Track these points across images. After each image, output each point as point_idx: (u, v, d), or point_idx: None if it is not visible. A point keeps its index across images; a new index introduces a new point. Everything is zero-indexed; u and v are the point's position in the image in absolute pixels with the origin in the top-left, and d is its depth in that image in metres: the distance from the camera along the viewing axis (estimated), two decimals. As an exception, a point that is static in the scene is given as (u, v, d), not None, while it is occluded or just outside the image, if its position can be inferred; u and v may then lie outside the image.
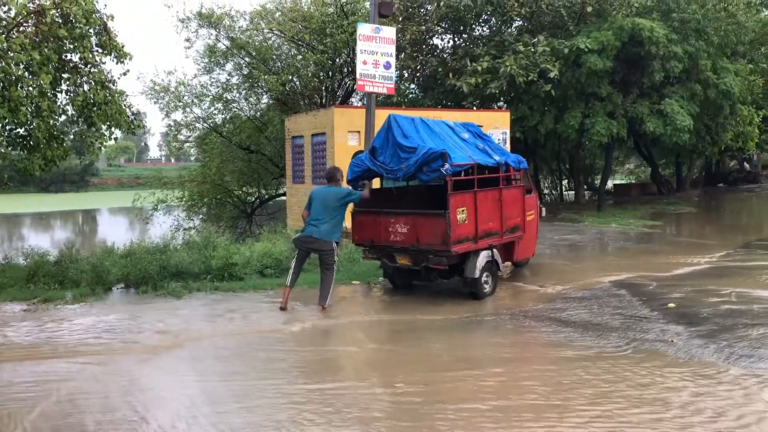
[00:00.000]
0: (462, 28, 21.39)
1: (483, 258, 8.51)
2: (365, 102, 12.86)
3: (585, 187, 25.40)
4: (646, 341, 6.39)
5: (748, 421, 4.40)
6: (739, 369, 5.50)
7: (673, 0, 20.34)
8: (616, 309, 7.76)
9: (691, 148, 24.65)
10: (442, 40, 22.48)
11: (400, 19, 19.29)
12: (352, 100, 22.51)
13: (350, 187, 8.54)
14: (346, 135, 14.63)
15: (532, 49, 18.20)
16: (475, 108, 20.19)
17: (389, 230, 8.58)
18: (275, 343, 6.72)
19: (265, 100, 23.51)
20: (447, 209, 7.94)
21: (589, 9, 19.28)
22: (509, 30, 21.28)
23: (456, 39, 22.17)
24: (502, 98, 21.75)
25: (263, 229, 14.65)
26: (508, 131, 17.68)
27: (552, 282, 9.54)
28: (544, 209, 11.67)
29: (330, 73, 21.04)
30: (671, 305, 7.88)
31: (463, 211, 8.16)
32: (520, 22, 21.41)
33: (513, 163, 9.59)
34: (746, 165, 41.71)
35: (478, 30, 22.12)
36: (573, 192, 28.15)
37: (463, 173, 8.60)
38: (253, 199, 24.60)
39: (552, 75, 17.64)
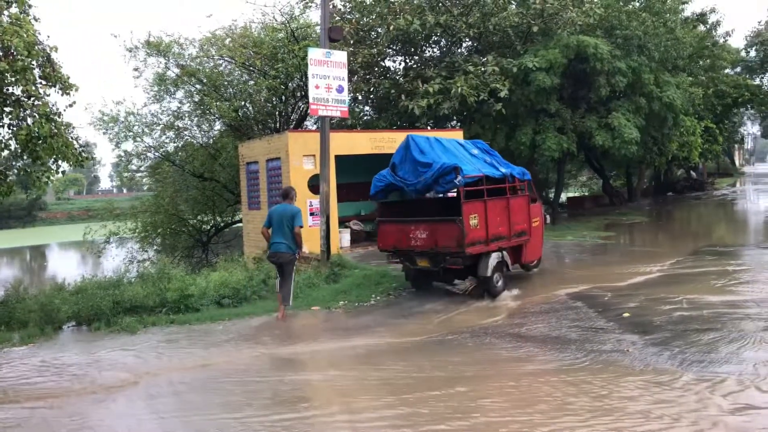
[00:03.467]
0: (413, 50, 21.66)
1: (494, 259, 9.62)
2: (320, 125, 12.87)
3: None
4: (603, 352, 6.49)
5: (702, 427, 4.51)
6: (691, 374, 5.63)
7: (615, 17, 21.08)
8: (574, 321, 7.87)
9: (640, 159, 25.41)
10: (394, 62, 22.73)
11: (351, 42, 19.43)
12: (307, 123, 22.47)
13: (299, 209, 9.22)
14: (302, 159, 14.58)
15: (482, 69, 18.55)
16: (429, 128, 20.42)
17: (410, 236, 9.76)
18: (234, 374, 6.57)
19: (217, 126, 23.26)
20: (461, 216, 9.08)
21: (535, 28, 19.79)
22: (459, 51, 21.67)
23: (407, 61, 22.43)
24: (455, 118, 22.05)
25: (220, 257, 14.42)
26: (462, 150, 17.86)
27: (510, 297, 9.64)
28: (548, 217, 12.59)
29: (283, 98, 20.96)
30: (626, 315, 8.04)
31: (475, 217, 9.34)
32: (470, 43, 21.83)
33: (518, 174, 10.68)
34: (692, 173, 43.24)
35: (429, 51, 22.44)
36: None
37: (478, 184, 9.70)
38: (209, 228, 24.19)
39: (502, 94, 17.98)
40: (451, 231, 9.23)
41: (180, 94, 21.77)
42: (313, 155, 14.17)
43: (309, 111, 12.77)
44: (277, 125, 21.45)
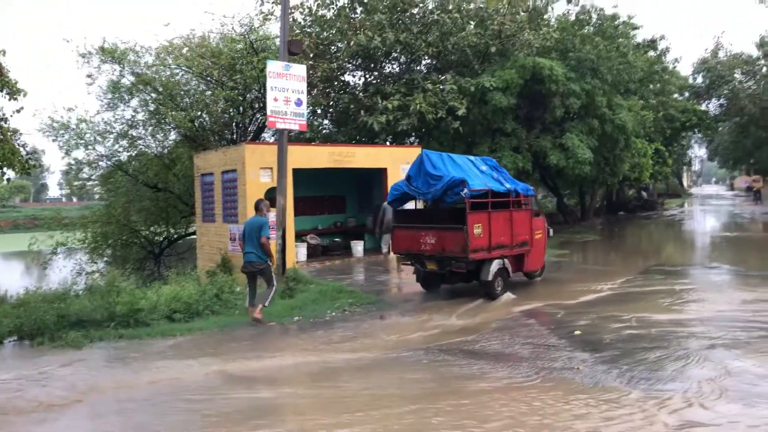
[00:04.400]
0: (373, 65, 21.80)
1: (495, 265, 10.62)
2: (277, 138, 12.77)
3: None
4: (555, 369, 6.57)
5: (649, 444, 4.59)
6: (639, 392, 5.74)
7: (569, 41, 21.69)
8: (527, 338, 7.96)
9: (593, 178, 26.04)
10: (354, 77, 22.82)
11: (311, 56, 19.43)
12: (265, 135, 22.28)
13: (267, 220, 9.63)
14: (258, 171, 14.42)
15: (441, 87, 18.78)
16: (388, 143, 20.51)
17: (420, 241, 10.80)
18: (184, 392, 6.40)
19: (173, 136, 22.84)
20: (466, 224, 10.05)
21: (493, 49, 20.18)
22: (418, 68, 21.90)
23: (367, 76, 22.55)
24: (413, 134, 22.23)
25: (172, 271, 14.10)
26: (420, 166, 18.00)
27: (467, 314, 9.68)
28: (551, 230, 13.34)
29: (241, 109, 20.76)
30: (577, 332, 8.17)
31: (479, 226, 10.29)
32: (429, 61, 22.10)
33: (522, 190, 11.57)
34: (643, 194, 44.56)
35: (389, 68, 22.61)
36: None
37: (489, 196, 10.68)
38: (162, 239, 23.65)
39: (460, 112, 18.24)
40: (457, 238, 10.24)
41: (135, 102, 21.37)
42: (271, 168, 14.05)
43: (267, 123, 12.67)
44: (234, 136, 21.23)
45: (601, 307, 9.98)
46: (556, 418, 5.18)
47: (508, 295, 10.85)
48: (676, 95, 37.25)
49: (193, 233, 21.27)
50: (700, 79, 40.72)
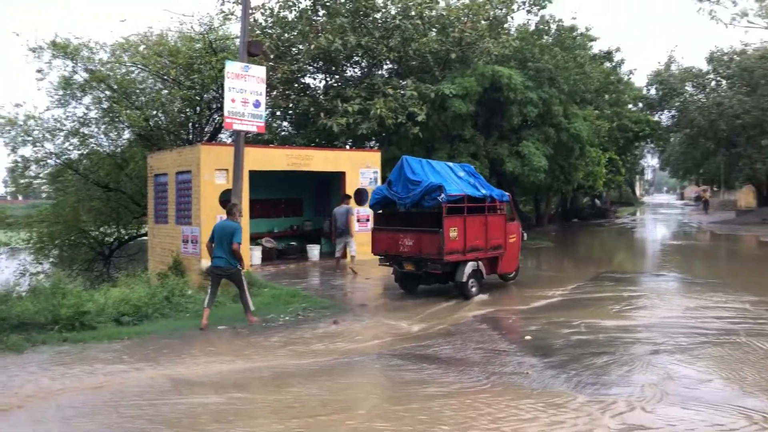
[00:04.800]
0: (334, 68, 21.76)
1: (470, 267, 11.18)
2: (234, 139, 12.61)
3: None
4: (504, 374, 6.64)
5: (591, 448, 4.67)
6: (585, 396, 5.85)
7: (528, 50, 22.06)
8: (478, 344, 8.03)
9: (548, 186, 26.55)
10: (315, 79, 22.74)
11: (272, 57, 19.28)
12: (222, 136, 21.99)
13: (240, 226, 9.52)
14: (214, 173, 14.22)
15: (401, 93, 18.87)
16: (347, 147, 20.49)
17: (399, 243, 11.30)
18: (130, 397, 6.22)
19: (126, 135, 22.32)
20: (441, 228, 10.56)
21: (454, 56, 20.37)
22: (379, 73, 21.95)
23: (328, 79, 22.50)
24: (373, 138, 22.26)
25: (122, 272, 13.76)
26: (379, 171, 18.06)
27: (421, 318, 9.71)
28: (525, 234, 13.96)
29: (198, 109, 20.44)
30: (528, 338, 8.29)
31: (454, 230, 10.82)
32: (390, 66, 22.18)
33: (497, 196, 12.09)
34: (597, 202, 45.63)
35: (350, 71, 22.61)
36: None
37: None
38: (112, 240, 23.06)
39: (419, 118, 18.35)
40: (433, 240, 10.73)
41: (87, 99, 20.83)
42: (226, 169, 13.87)
43: (224, 124, 12.51)
44: (190, 137, 20.88)
45: (552, 312, 10.16)
46: (504, 423, 5.23)
47: (482, 296, 11.40)
48: (630, 106, 38.29)
49: (145, 234, 20.84)
50: (653, 91, 41.91)
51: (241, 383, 6.83)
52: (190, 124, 21.15)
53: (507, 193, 12.67)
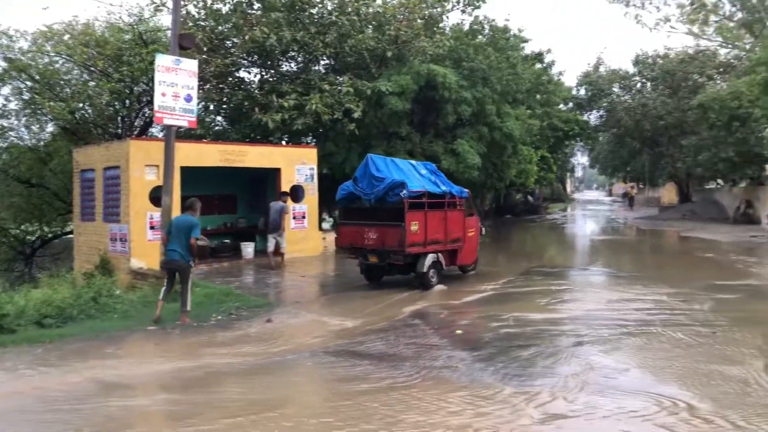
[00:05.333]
0: (269, 63, 21.49)
1: (430, 259, 11.91)
2: (165, 134, 12.29)
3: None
4: (435, 368, 6.78)
5: (515, 437, 4.85)
6: (512, 388, 6.04)
7: (463, 50, 22.43)
8: (411, 339, 8.15)
9: (482, 183, 27.08)
10: (249, 73, 22.39)
11: (205, 50, 18.87)
12: (153, 131, 21.37)
13: (198, 221, 9.56)
14: (144, 169, 13.82)
15: (338, 89, 18.84)
16: (283, 143, 20.30)
17: (364, 236, 11.93)
18: (53, 402, 6.01)
19: (50, 128, 21.38)
20: (403, 222, 11.21)
21: (390, 54, 20.50)
22: (316, 68, 21.84)
23: (263, 73, 22.20)
24: (310, 134, 22.13)
25: (45, 273, 13.22)
26: (315, 167, 17.99)
27: (354, 315, 9.75)
28: (484, 229, 14.74)
29: (127, 102, 19.75)
30: (459, 332, 8.48)
31: (416, 224, 11.48)
32: (327, 62, 22.10)
33: (456, 192, 12.81)
34: (530, 198, 46.89)
35: (286, 66, 22.38)
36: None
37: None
38: (34, 239, 22.03)
39: (356, 114, 18.38)
40: (396, 234, 11.37)
41: (6, 90, 19.84)
42: (157, 165, 13.51)
43: (154, 119, 12.19)
44: (119, 131, 20.20)
45: (484, 306, 10.42)
46: (432, 416, 5.35)
47: (441, 287, 12.05)
48: (560, 106, 39.53)
49: (70, 232, 20.01)
50: (582, 92, 43.38)
51: (169, 384, 6.71)
52: (119, 117, 20.43)
53: (466, 190, 13.36)
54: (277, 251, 15.14)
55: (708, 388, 5.88)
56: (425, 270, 11.84)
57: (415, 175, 12.46)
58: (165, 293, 9.49)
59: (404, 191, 11.35)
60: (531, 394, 5.85)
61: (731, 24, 43.40)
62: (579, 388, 6.00)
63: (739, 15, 41.79)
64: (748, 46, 38.02)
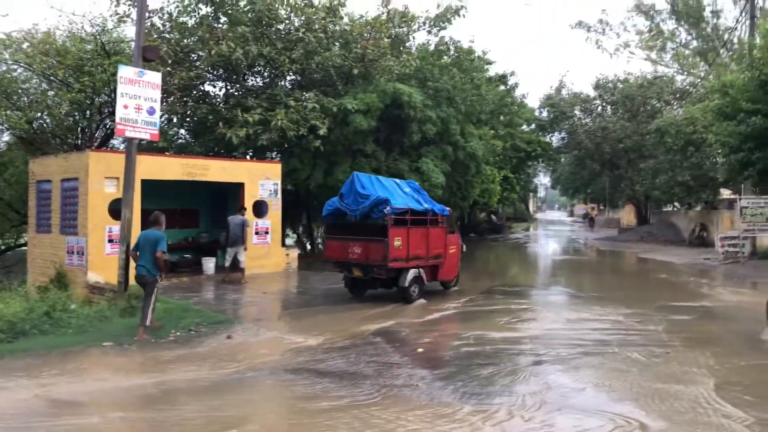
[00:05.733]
0: (235, 77, 21.40)
1: (412, 274, 12.34)
2: (127, 146, 12.10)
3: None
4: (395, 387, 6.78)
5: (472, 456, 4.87)
6: (470, 406, 6.08)
7: (428, 70, 22.70)
8: (372, 357, 8.14)
9: (446, 202, 27.23)
10: (214, 87, 22.22)
11: (169, 62, 18.69)
12: (114, 142, 20.99)
13: (164, 234, 9.68)
14: (103, 181, 13.55)
15: (303, 105, 18.84)
16: (247, 158, 20.17)
17: (348, 251, 12.31)
18: (1, 420, 5.81)
19: (5, 137, 20.83)
20: (387, 237, 11.66)
21: (356, 71, 20.62)
22: (282, 84, 21.81)
23: (228, 87, 22.08)
24: (275, 149, 22.05)
25: (-4, 285, 12.81)
26: (279, 183, 17.92)
27: (316, 333, 9.68)
28: (464, 246, 15.10)
29: (88, 113, 19.38)
30: (420, 350, 8.51)
31: (398, 239, 11.92)
32: (293, 77, 22.10)
33: (438, 210, 13.31)
34: (493, 217, 47.47)
35: (251, 81, 22.30)
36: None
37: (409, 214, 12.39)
38: (-14, 250, 21.36)
39: (321, 131, 18.39)
40: (379, 249, 11.77)
41: (-39, 97, 19.22)
42: (117, 178, 13.26)
43: (115, 131, 11.99)
44: (79, 142, 19.78)
45: (445, 325, 10.49)
46: (391, 435, 5.35)
47: (422, 301, 12.45)
48: (523, 127, 40.27)
49: (25, 244, 19.43)
50: (545, 114, 44.33)
51: (124, 402, 6.55)
52: (79, 128, 20.01)
53: (448, 209, 13.92)
54: (235, 267, 15.05)
55: (660, 407, 6.02)
56: (407, 284, 12.24)
57: (399, 193, 12.94)
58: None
59: (388, 208, 11.84)
60: (489, 412, 5.90)
61: (687, 52, 45.10)
62: (537, 406, 6.08)
63: (695, 43, 43.50)
64: (702, 74, 39.48)
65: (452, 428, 5.49)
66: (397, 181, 13.90)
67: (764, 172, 18.74)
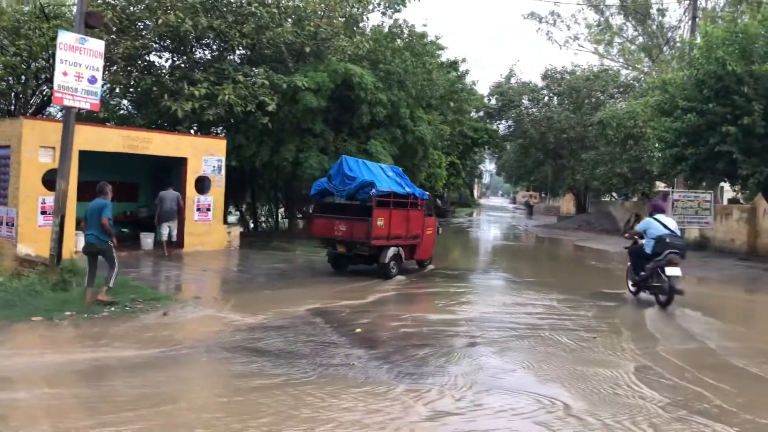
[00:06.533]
0: (182, 48, 20.82)
1: (392, 251, 13.44)
2: (64, 115, 11.67)
3: (300, 216, 26.48)
4: (332, 366, 6.88)
5: (402, 432, 5.03)
6: (404, 386, 6.24)
7: (381, 52, 22.66)
8: (309, 336, 8.20)
9: (393, 185, 27.46)
10: (160, 57, 21.58)
11: (114, 30, 18.04)
12: (51, 110, 20.15)
13: (109, 202, 9.80)
14: (38, 150, 13.06)
15: (252, 81, 18.53)
16: (192, 132, 19.74)
17: (334, 228, 13.23)
18: None
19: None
20: (371, 217, 12.66)
21: (308, 49, 20.40)
22: (231, 58, 21.37)
23: (175, 59, 21.48)
24: (221, 125, 21.64)
25: None
26: (223, 159, 17.66)
27: (254, 311, 9.66)
28: (440, 228, 16.54)
29: (23, 78, 18.51)
30: (358, 330, 8.62)
31: (381, 219, 12.89)
32: (243, 52, 21.68)
33: (418, 194, 14.45)
34: (438, 202, 48.03)
35: (199, 53, 21.76)
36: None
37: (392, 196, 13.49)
38: None
39: (270, 108, 18.15)
40: (363, 227, 12.74)
41: None
42: (53, 147, 12.81)
43: (53, 99, 11.53)
44: (12, 108, 18.91)
45: (385, 306, 10.64)
46: (324, 412, 5.44)
47: (400, 277, 13.54)
48: (472, 114, 40.75)
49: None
50: (493, 102, 44.98)
51: (53, 378, 6.42)
52: (13, 93, 19.08)
53: (426, 193, 15.11)
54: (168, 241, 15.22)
55: (583, 389, 6.32)
56: (387, 261, 13.30)
57: (383, 177, 13.94)
58: (89, 279, 9.56)
59: (373, 190, 12.83)
60: (422, 392, 6.06)
61: (633, 47, 46.50)
62: (467, 386, 6.29)
63: (640, 39, 44.88)
64: (646, 69, 40.81)
65: (385, 406, 5.63)
66: (382, 165, 15.06)
67: (696, 167, 19.60)
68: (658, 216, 11.41)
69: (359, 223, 12.87)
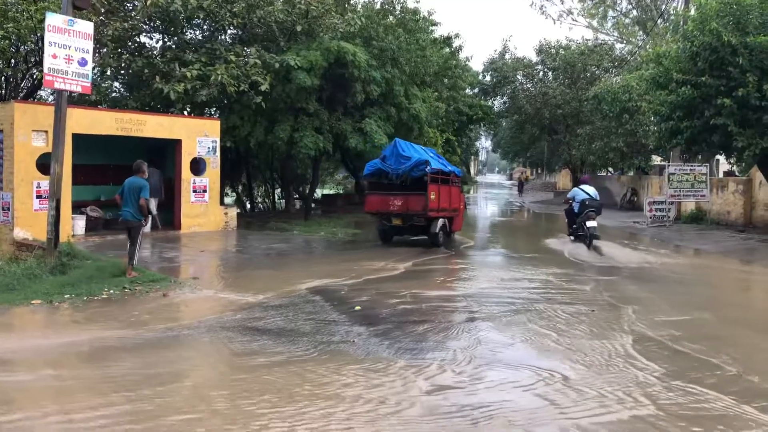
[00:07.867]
0: (173, 29, 20.57)
1: (440, 222, 15.14)
2: (56, 98, 11.57)
3: (296, 196, 26.45)
4: (332, 343, 6.93)
5: (403, 407, 5.06)
6: (404, 361, 6.29)
7: (373, 29, 22.44)
8: (310, 314, 8.25)
9: (388, 163, 27.37)
10: (151, 39, 21.33)
11: (102, 11, 17.79)
12: (42, 93, 19.95)
13: (146, 183, 10.44)
14: (30, 134, 12.97)
15: (244, 60, 18.37)
16: (186, 113, 19.61)
17: (389, 203, 14.82)
18: None
19: None
20: (426, 191, 14.38)
21: (299, 28, 20.19)
22: (222, 38, 21.15)
23: (166, 40, 21.24)
24: (214, 106, 21.49)
25: None
26: (218, 140, 17.57)
27: (254, 291, 9.71)
28: (466, 204, 19.13)
29: (12, 62, 18.28)
30: (357, 308, 8.67)
31: (434, 193, 14.60)
32: (234, 32, 21.45)
33: (457, 172, 16.80)
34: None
35: (190, 34, 21.51)
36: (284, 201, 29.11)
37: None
38: None
39: (263, 87, 18.00)
40: (419, 200, 14.41)
41: None
42: (46, 131, 12.73)
43: (44, 82, 11.43)
44: (3, 92, 18.73)
45: (383, 284, 10.66)
46: (326, 388, 5.49)
47: (443, 248, 15.05)
48: (467, 90, 40.48)
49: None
50: (488, 78, 44.65)
51: (56, 360, 6.46)
52: (3, 78, 18.89)
53: (461, 170, 17.06)
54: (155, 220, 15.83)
55: (582, 361, 6.38)
56: (437, 230, 14.90)
57: (431, 156, 15.60)
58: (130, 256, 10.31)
59: (428, 167, 14.56)
60: (422, 366, 6.11)
61: (627, 20, 46.16)
62: (467, 361, 6.34)
63: (634, 13, 44.53)
64: (640, 43, 40.56)
65: (386, 381, 5.68)
66: (425, 148, 16.93)
67: (691, 140, 19.58)
68: (583, 186, 15.81)
69: (415, 197, 14.42)
